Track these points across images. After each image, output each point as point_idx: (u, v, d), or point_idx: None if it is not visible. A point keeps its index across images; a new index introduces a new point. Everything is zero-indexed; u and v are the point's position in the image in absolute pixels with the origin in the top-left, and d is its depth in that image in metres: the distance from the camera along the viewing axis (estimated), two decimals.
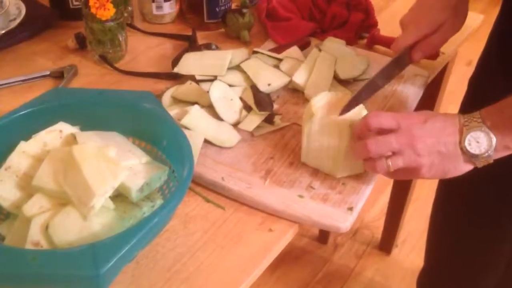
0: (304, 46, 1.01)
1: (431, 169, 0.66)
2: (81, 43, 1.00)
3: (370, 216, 1.79)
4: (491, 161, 0.65)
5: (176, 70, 0.90)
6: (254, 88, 0.86)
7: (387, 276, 1.63)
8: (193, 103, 0.83)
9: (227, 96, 0.84)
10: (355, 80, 0.93)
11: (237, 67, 0.92)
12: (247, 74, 0.89)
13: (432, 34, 0.82)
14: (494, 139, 0.63)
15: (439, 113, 0.69)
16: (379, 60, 0.98)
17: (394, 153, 0.67)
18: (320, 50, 0.94)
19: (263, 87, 0.86)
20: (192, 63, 0.91)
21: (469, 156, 0.65)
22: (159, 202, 0.67)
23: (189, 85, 0.87)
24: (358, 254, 1.69)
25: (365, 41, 1.06)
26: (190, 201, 0.71)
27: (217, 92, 0.83)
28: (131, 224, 0.63)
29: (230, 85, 0.87)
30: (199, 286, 0.61)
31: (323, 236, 1.71)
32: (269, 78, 0.88)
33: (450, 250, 1.04)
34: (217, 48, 0.98)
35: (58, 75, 0.93)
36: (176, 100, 0.85)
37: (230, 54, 0.91)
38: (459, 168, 0.67)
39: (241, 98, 0.85)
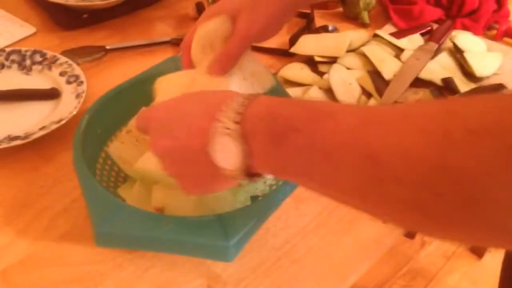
0: (427, 33, 0.96)
1: (185, 181, 0.47)
2: (201, 13, 1.01)
3: None
4: (257, 181, 0.43)
5: (292, 50, 0.89)
6: (372, 74, 0.83)
7: (476, 282, 1.56)
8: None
9: (346, 80, 0.81)
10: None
11: (356, 50, 0.89)
12: (366, 58, 0.86)
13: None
14: (242, 157, 0.39)
15: (198, 96, 0.47)
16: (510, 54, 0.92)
17: None
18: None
19: (388, 76, 0.83)
20: (310, 44, 0.89)
21: (219, 168, 0.42)
22: (270, 177, 0.66)
23: (301, 70, 0.85)
24: (447, 254, 1.63)
25: (493, 32, 0.99)
26: None
27: (337, 75, 0.81)
28: (244, 198, 0.64)
29: (348, 68, 0.84)
30: (309, 269, 0.60)
31: (411, 231, 1.66)
32: (394, 68, 0.84)
33: None
34: (336, 30, 0.96)
35: (178, 43, 0.95)
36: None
37: (350, 37, 0.89)
38: (219, 182, 0.45)
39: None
